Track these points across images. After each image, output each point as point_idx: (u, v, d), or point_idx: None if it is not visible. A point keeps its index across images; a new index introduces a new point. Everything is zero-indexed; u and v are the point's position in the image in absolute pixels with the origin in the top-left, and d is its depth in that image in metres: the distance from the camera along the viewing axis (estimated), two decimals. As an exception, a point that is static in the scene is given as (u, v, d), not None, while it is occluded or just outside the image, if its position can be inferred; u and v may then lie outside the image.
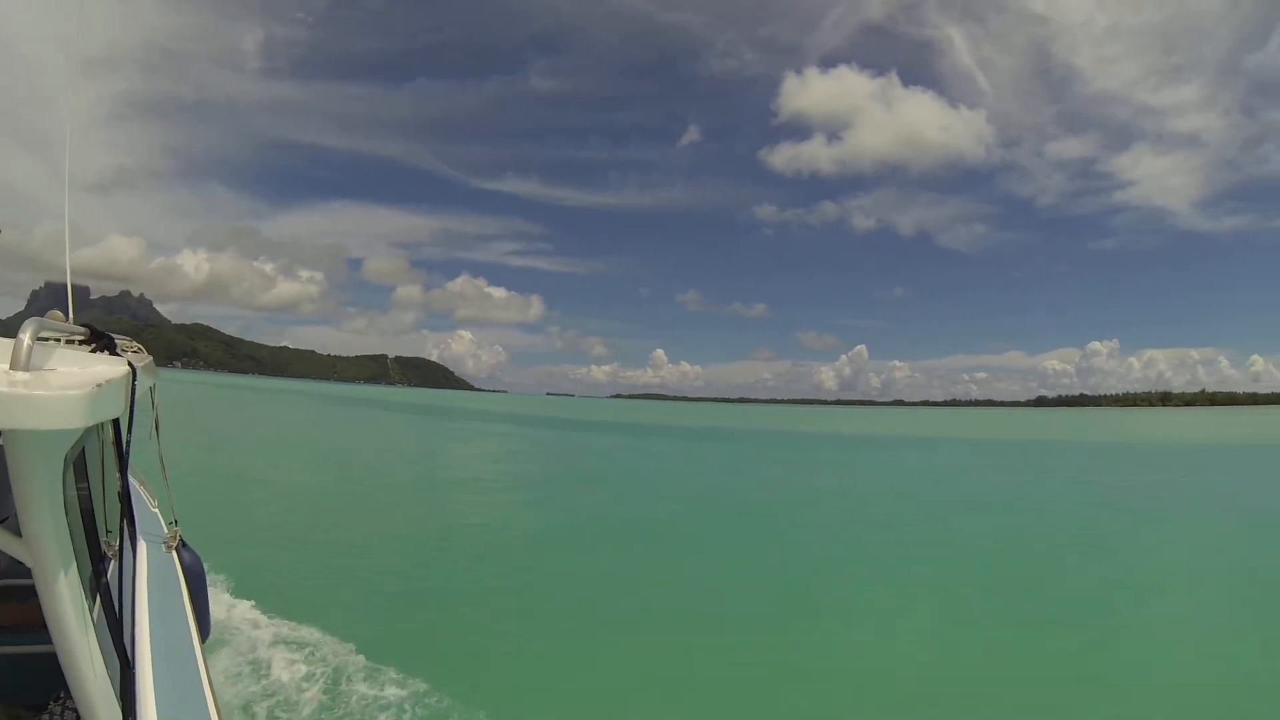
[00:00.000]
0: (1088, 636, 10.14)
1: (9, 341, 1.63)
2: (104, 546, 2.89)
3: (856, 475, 35.37)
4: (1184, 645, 10.07)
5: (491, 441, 50.04)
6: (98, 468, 3.14)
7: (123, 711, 2.52)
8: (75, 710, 3.15)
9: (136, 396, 2.45)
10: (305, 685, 7.09)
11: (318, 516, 17.36)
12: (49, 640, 2.08)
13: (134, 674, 3.07)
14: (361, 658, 7.76)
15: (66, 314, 4.17)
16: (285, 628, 8.45)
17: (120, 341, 2.97)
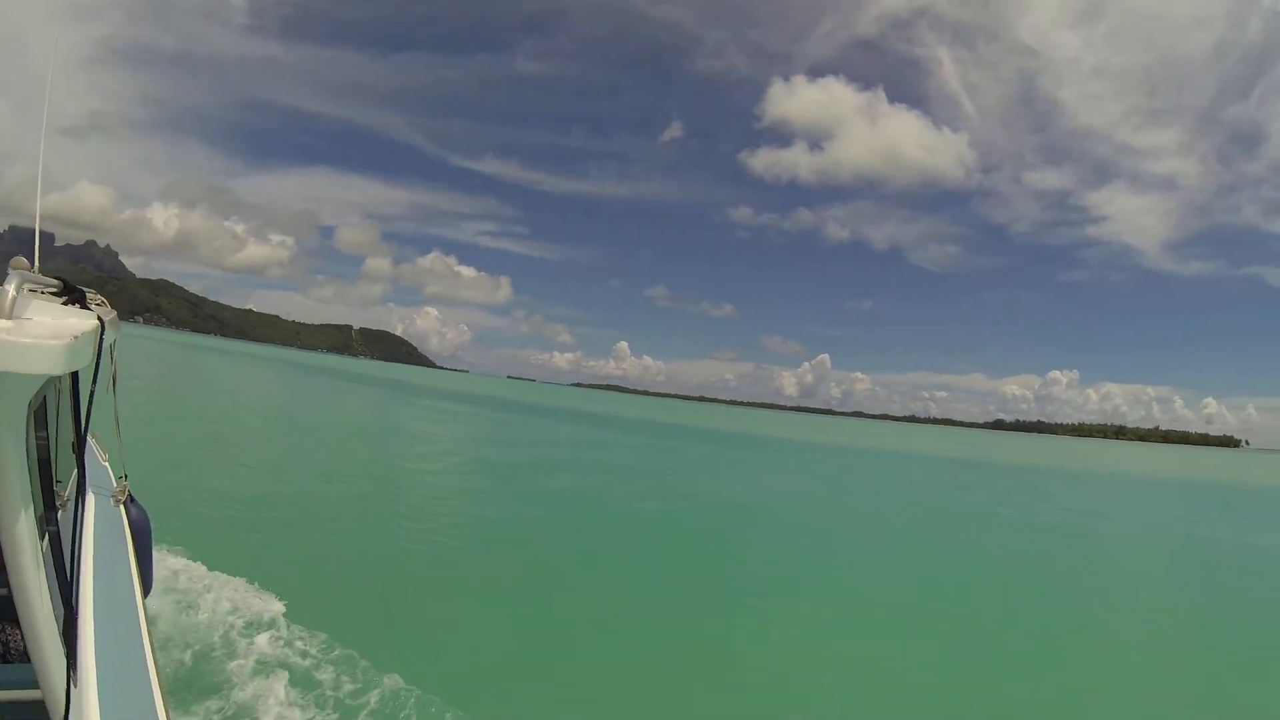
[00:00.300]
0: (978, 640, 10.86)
1: None
2: (54, 497, 3.00)
3: (806, 483, 36.18)
4: (1094, 659, 10.79)
5: (454, 421, 49.80)
6: (54, 418, 3.20)
7: (66, 656, 2.65)
8: (15, 646, 3.31)
9: (101, 351, 2.62)
10: (241, 640, 7.23)
11: (270, 483, 17.25)
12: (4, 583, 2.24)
13: (76, 621, 3.15)
14: (297, 618, 7.91)
15: (32, 260, 4.22)
16: (227, 586, 8.55)
17: (89, 296, 3.14)
